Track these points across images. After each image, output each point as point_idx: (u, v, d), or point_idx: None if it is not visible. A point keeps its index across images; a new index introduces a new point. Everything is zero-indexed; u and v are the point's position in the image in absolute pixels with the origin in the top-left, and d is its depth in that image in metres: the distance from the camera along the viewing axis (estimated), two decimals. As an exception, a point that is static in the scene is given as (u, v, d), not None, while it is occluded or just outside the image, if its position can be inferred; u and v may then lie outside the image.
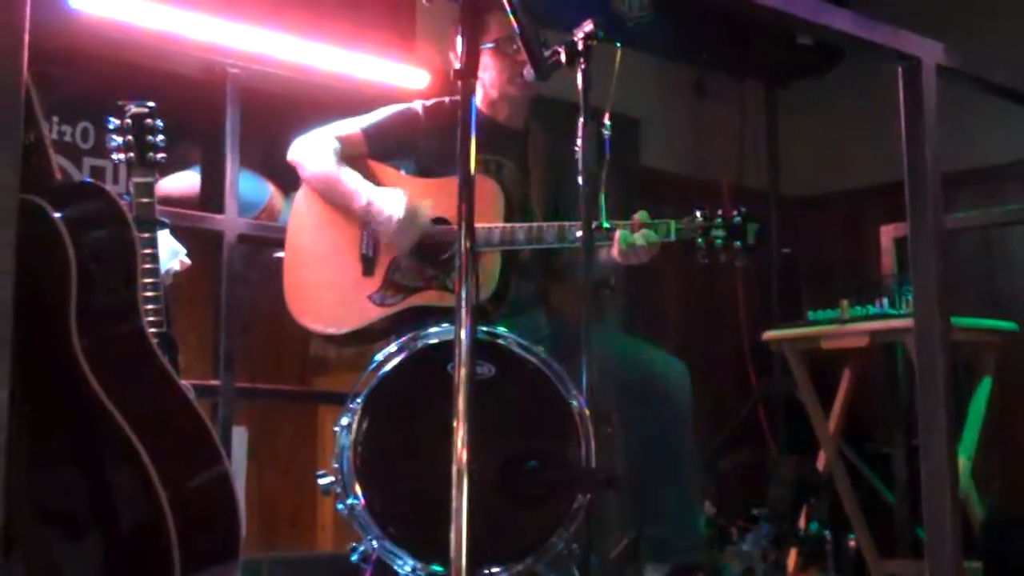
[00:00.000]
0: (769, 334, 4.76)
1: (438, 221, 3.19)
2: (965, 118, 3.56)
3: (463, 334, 1.92)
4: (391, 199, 3.16)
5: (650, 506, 3.23)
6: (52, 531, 1.92)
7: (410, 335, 2.76)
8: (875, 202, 5.71)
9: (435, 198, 3.19)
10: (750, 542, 4.09)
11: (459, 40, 1.98)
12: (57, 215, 1.90)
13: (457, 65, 3.38)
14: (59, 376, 1.91)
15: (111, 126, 3.03)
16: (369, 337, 3.26)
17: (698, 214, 3.05)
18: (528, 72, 3.10)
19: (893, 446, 4.73)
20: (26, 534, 1.84)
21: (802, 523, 4.28)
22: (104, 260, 2.00)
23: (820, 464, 4.64)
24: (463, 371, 1.92)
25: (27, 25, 1.21)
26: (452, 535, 1.86)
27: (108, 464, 1.91)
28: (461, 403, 1.91)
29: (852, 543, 4.49)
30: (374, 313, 3.19)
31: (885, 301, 4.37)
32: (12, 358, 1.37)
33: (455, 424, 1.90)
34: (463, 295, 1.94)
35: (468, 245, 1.95)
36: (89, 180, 2.11)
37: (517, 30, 2.34)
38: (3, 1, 1.18)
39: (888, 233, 4.70)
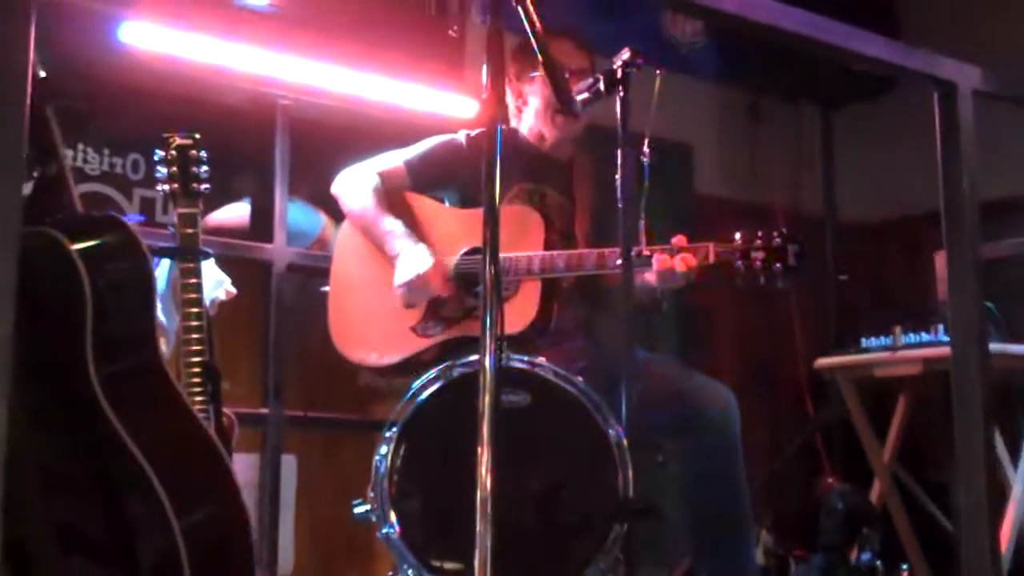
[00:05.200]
0: (821, 361, 4.72)
1: (474, 252, 3.19)
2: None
3: (488, 362, 1.93)
4: (411, 262, 3.16)
5: (705, 536, 3.20)
6: (67, 560, 1.94)
7: (447, 363, 2.76)
8: (933, 228, 5.62)
9: (476, 228, 3.18)
10: (802, 573, 4.04)
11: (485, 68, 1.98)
12: (73, 247, 1.93)
13: (512, 99, 3.40)
14: (75, 406, 1.93)
15: (157, 157, 3.07)
16: (413, 368, 3.25)
17: (737, 236, 3.03)
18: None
19: (952, 474, 4.64)
20: (41, 563, 1.86)
21: (855, 554, 4.22)
22: (120, 291, 2.02)
23: (875, 493, 4.58)
24: (488, 399, 1.93)
25: (31, 61, 1.23)
26: (476, 562, 1.87)
27: (123, 494, 1.93)
28: (486, 430, 1.92)
29: (905, 574, 4.41)
30: (417, 345, 3.19)
31: (940, 328, 4.31)
32: (29, 387, 1.40)
33: (479, 451, 1.91)
34: (487, 323, 1.95)
35: (492, 272, 1.96)
36: (110, 213, 2.13)
37: (541, 64, 2.33)
38: (6, 39, 1.20)
39: (942, 259, 4.61)
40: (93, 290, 1.92)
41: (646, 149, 2.85)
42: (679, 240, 3.04)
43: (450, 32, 4.17)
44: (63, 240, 1.91)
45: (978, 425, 2.16)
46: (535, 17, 2.16)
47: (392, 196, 3.32)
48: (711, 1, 1.88)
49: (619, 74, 2.78)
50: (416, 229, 3.26)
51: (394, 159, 3.37)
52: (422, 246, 3.19)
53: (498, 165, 1.98)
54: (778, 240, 2.98)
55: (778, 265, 2.98)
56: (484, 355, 1.93)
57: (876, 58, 2.20)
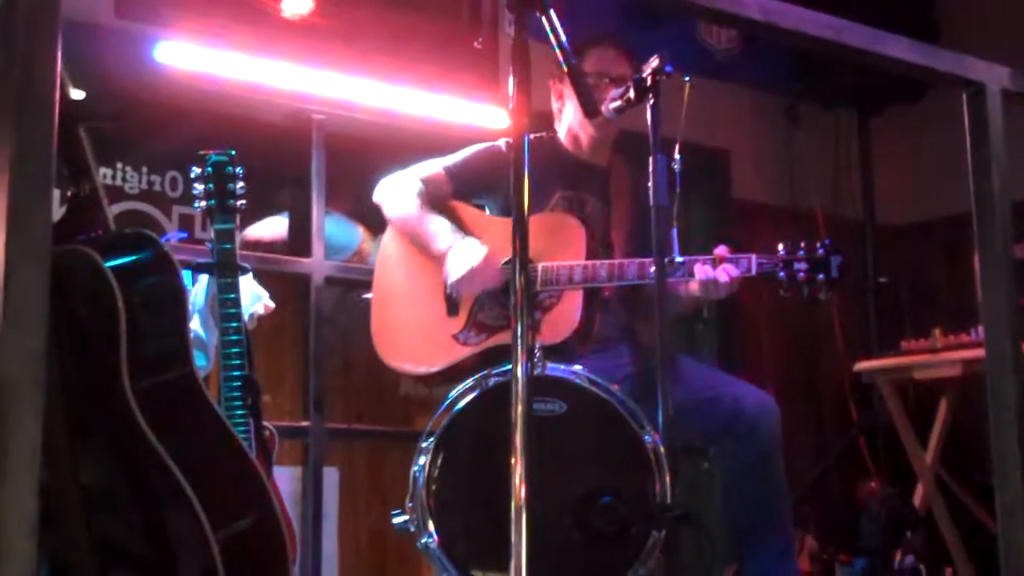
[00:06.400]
0: (862, 365, 4.70)
1: None
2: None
3: (519, 371, 1.94)
4: (463, 255, 3.17)
5: (746, 542, 3.20)
6: (107, 574, 1.96)
7: (483, 373, 2.77)
8: (972, 229, 5.58)
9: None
10: (845, 577, 4.02)
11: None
12: (106, 264, 1.96)
13: (554, 101, 3.40)
14: (112, 422, 1.96)
15: (193, 175, 3.10)
16: (456, 376, 3.27)
17: (780, 247, 3.02)
18: (605, 108, 3.10)
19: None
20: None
21: (898, 557, 4.19)
22: (153, 307, 2.05)
23: (919, 496, 4.55)
24: (520, 408, 1.94)
25: (58, 81, 1.25)
26: (512, 571, 1.87)
27: (160, 508, 1.95)
28: (518, 440, 1.93)
29: (949, 576, 4.38)
30: (459, 352, 3.20)
31: (980, 329, 4.27)
32: (66, 403, 1.43)
33: (513, 461, 1.92)
34: (519, 331, 1.96)
35: (523, 282, 1.97)
36: (142, 230, 2.16)
37: (566, 73, 2.33)
38: (33, 60, 1.22)
39: (981, 260, 4.60)
40: (127, 306, 1.94)
41: (677, 155, 2.86)
42: (722, 251, 3.04)
43: (476, 44, 4.18)
44: (96, 257, 1.94)
45: (1013, 424, 2.14)
46: (559, 27, 2.17)
47: (435, 204, 3.32)
48: (734, 8, 1.87)
49: (649, 82, 2.80)
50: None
51: (435, 166, 3.38)
52: (472, 238, 3.21)
53: (526, 174, 1.97)
54: (821, 252, 2.98)
55: (821, 276, 2.99)
56: (516, 364, 1.93)
57: (902, 60, 2.18)
